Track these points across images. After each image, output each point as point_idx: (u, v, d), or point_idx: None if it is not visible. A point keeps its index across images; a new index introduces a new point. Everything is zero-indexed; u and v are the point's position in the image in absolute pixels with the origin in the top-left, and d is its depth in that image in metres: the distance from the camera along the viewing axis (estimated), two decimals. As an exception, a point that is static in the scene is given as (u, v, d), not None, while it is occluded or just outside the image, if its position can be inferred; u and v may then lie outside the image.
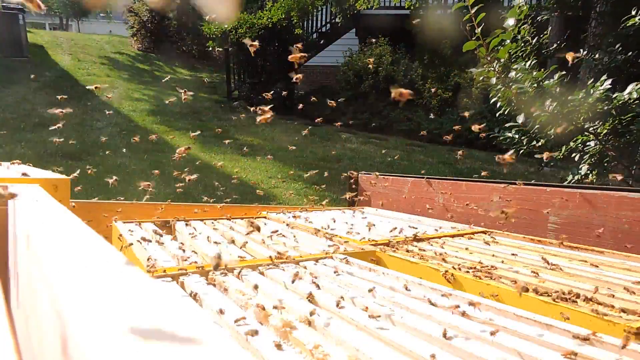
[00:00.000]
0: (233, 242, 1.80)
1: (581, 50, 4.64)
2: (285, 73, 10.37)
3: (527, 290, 0.90)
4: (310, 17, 11.77)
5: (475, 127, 1.66)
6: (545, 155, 1.90)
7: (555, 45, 4.78)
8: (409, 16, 9.91)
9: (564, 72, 3.04)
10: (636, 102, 2.87)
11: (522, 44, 3.14)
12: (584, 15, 6.16)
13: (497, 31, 2.61)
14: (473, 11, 2.32)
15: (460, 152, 2.35)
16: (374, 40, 10.87)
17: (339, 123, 2.89)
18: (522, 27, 3.15)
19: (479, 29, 2.44)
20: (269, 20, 10.17)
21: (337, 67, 11.53)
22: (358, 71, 10.60)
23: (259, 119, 1.10)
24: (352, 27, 12.68)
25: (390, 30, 10.82)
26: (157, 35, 15.25)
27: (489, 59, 2.72)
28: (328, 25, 12.20)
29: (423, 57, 10.70)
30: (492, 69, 2.84)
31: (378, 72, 10.50)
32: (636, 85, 2.85)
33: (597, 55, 4.38)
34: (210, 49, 10.79)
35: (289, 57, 1.10)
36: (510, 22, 2.62)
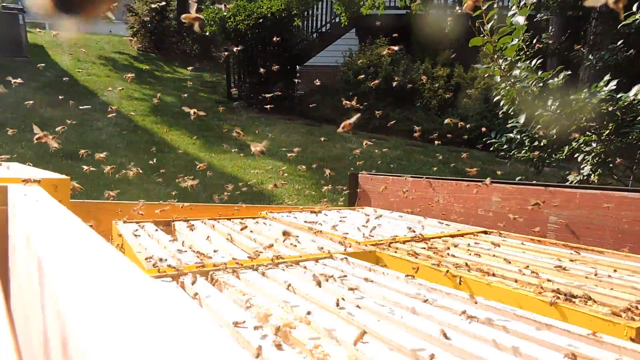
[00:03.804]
0: (233, 242, 1.80)
1: (582, 49, 4.64)
2: (286, 73, 10.39)
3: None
4: (310, 16, 11.75)
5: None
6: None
7: (556, 45, 4.78)
8: (409, 17, 9.89)
9: (569, 72, 3.03)
10: None
11: (517, 53, 3.13)
12: (585, 14, 6.16)
13: (504, 29, 2.59)
14: (484, 7, 2.30)
15: (464, 155, 2.34)
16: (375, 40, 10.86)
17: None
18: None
19: (489, 26, 2.42)
20: (269, 9, 10.11)
21: (337, 67, 11.52)
22: (358, 71, 10.60)
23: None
24: (352, 27, 12.67)
25: (390, 30, 10.82)
26: (157, 35, 15.24)
27: (495, 56, 2.71)
28: (328, 25, 12.19)
29: (423, 58, 10.70)
30: (498, 66, 2.82)
31: (378, 72, 10.50)
32: None
33: (598, 55, 4.38)
34: (208, 33, 10.64)
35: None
36: (520, 20, 2.59)
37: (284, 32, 10.02)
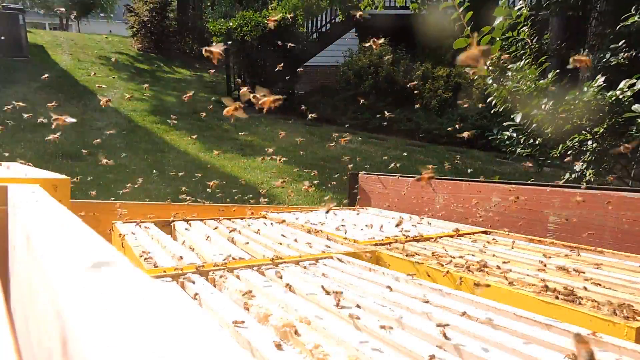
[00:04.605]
0: (233, 242, 1.80)
1: (581, 49, 4.64)
2: (285, 73, 10.40)
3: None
4: (311, 16, 11.78)
5: (466, 134, 1.68)
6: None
7: (555, 45, 4.78)
8: (410, 16, 9.89)
9: (558, 71, 3.04)
10: (629, 99, 2.86)
11: (521, 46, 3.14)
12: (585, 14, 6.16)
13: (485, 29, 2.61)
14: (460, 10, 2.32)
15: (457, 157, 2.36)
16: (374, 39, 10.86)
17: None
18: (522, 29, 3.15)
19: (468, 28, 2.44)
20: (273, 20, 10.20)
21: (337, 67, 11.53)
22: (358, 71, 10.60)
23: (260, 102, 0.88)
24: (352, 27, 12.68)
25: (390, 30, 10.83)
26: (157, 35, 15.24)
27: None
28: (328, 25, 12.20)
29: (423, 58, 10.70)
30: (485, 67, 2.84)
31: (378, 72, 10.51)
32: (627, 82, 2.84)
33: (598, 55, 4.37)
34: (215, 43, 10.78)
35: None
36: (498, 20, 2.62)
37: (285, 36, 10.06)
